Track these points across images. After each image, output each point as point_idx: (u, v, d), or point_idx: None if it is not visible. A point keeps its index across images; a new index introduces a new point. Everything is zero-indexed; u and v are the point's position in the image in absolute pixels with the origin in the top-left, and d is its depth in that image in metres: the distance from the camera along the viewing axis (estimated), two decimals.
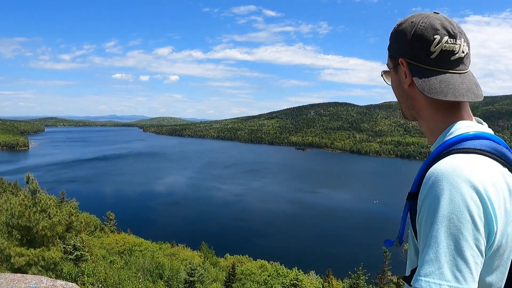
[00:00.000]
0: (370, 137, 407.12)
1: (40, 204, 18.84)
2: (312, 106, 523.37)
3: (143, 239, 59.64)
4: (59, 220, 19.35)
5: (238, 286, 40.00)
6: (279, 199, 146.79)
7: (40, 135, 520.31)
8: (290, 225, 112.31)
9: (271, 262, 52.74)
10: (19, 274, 11.24)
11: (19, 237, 18.94)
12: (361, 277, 34.51)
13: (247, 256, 63.58)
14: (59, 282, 9.20)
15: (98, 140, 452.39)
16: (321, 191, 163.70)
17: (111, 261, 30.79)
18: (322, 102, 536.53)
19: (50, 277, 13.02)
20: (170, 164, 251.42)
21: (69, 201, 29.98)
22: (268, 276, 42.23)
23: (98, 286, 15.99)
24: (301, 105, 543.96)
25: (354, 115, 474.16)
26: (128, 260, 36.14)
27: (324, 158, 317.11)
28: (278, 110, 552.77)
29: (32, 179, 19.45)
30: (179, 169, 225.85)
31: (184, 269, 35.95)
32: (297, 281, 36.06)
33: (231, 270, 45.39)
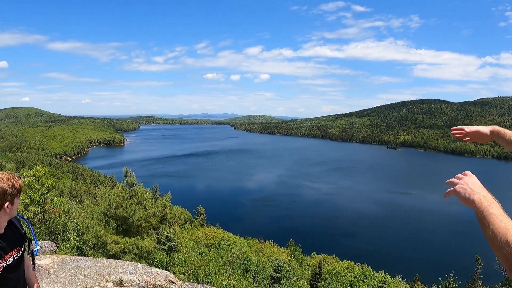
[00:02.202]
0: None
1: (137, 197, 19.97)
2: (404, 103, 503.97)
3: (231, 234, 60.71)
4: (154, 212, 20.41)
5: (323, 286, 39.95)
6: (368, 199, 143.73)
7: (135, 132, 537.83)
8: (378, 226, 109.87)
9: (357, 263, 52.27)
10: (116, 260, 12.31)
11: (115, 226, 20.14)
12: (452, 285, 33.02)
13: (334, 256, 63.19)
14: (155, 269, 10.11)
15: (190, 138, 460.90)
16: (412, 192, 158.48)
17: (199, 253, 31.83)
18: (414, 99, 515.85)
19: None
20: (261, 161, 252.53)
21: (163, 195, 31.31)
22: (354, 277, 41.96)
23: (189, 276, 16.81)
24: (392, 102, 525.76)
25: (448, 112, 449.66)
26: (216, 254, 37.04)
27: (416, 158, 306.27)
28: (369, 107, 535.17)
29: (130, 173, 20.59)
30: (269, 166, 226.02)
31: (271, 265, 36.49)
32: (385, 284, 35.44)
33: (317, 269, 45.43)
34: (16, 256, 3.32)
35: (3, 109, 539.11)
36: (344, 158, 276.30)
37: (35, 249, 3.61)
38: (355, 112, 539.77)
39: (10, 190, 3.11)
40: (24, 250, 3.51)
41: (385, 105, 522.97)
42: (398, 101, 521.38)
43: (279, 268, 34.06)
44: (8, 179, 3.13)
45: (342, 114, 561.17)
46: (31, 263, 3.80)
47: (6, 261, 3.20)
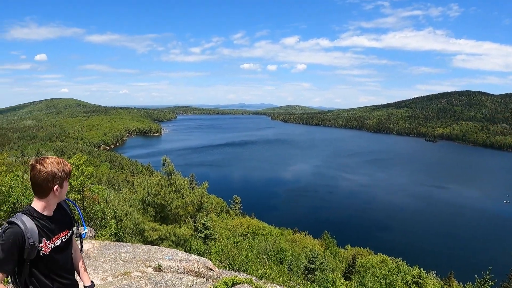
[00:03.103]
0: (506, 130, 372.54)
1: (175, 185, 20.24)
2: (442, 95, 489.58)
3: (266, 224, 60.99)
4: (192, 200, 20.65)
5: (357, 279, 39.76)
6: (404, 192, 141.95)
7: (172, 122, 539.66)
8: (413, 220, 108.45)
9: (392, 257, 51.95)
10: (155, 246, 12.53)
11: (153, 214, 20.47)
12: (488, 283, 32.11)
13: (368, 249, 62.88)
14: (193, 256, 10.28)
15: (227, 128, 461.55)
16: (449, 186, 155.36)
17: (234, 242, 32.07)
18: (453, 90, 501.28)
19: None
20: (297, 151, 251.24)
21: (199, 184, 31.52)
22: (388, 271, 41.61)
23: (226, 264, 16.97)
24: (431, 93, 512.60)
25: (488, 105, 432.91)
26: (251, 243, 37.20)
27: (454, 151, 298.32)
28: (407, 99, 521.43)
29: (168, 162, 20.87)
30: (305, 157, 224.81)
31: (305, 256, 36.50)
32: (420, 279, 35.00)
33: (351, 261, 45.28)
34: (64, 238, 3.50)
35: (43, 100, 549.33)
36: (380, 150, 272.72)
37: (83, 232, 3.77)
38: (393, 103, 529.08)
39: (60, 174, 3.26)
40: (73, 233, 3.65)
41: (423, 97, 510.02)
42: (437, 92, 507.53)
43: (313, 259, 34.06)
44: (57, 163, 3.28)
45: (379, 105, 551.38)
46: (79, 246, 3.95)
47: (54, 243, 3.39)
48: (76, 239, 3.85)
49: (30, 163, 3.28)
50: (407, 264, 46.42)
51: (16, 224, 3.22)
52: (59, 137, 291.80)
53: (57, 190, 3.27)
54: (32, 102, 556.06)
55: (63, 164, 3.27)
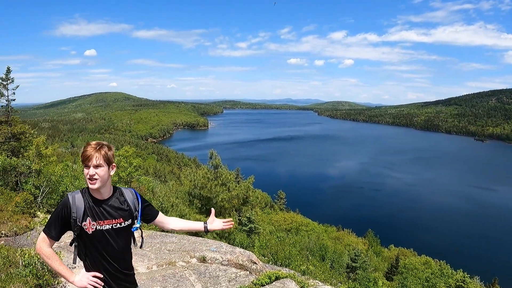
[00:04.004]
0: None
1: (221, 178, 20.48)
2: (493, 92, 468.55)
3: (310, 220, 60.80)
4: (237, 194, 20.85)
5: (399, 280, 39.35)
6: (451, 193, 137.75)
7: (219, 116, 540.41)
8: (459, 222, 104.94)
9: (435, 259, 51.05)
10: (200, 237, 12.73)
11: (199, 206, 20.74)
12: None
13: (412, 250, 61.86)
14: (238, 249, 10.43)
15: (274, 122, 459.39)
16: (497, 188, 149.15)
17: (278, 237, 32.18)
18: (505, 88, 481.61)
19: None
20: (343, 147, 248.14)
21: (245, 178, 31.74)
22: (431, 274, 41.10)
23: (269, 258, 17.07)
24: (481, 91, 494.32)
25: None
26: (294, 239, 37.18)
27: (505, 152, 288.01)
28: (457, 96, 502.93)
29: (215, 155, 21.12)
30: (351, 153, 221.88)
31: (348, 254, 36.38)
32: (464, 284, 34.28)
33: (394, 262, 44.81)
34: (115, 226, 3.62)
35: (93, 93, 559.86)
36: (428, 148, 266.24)
37: (134, 226, 3.89)
38: (442, 100, 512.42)
39: (81, 158, 3.44)
40: (128, 225, 3.79)
41: (473, 94, 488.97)
42: (487, 90, 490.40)
43: (356, 257, 33.92)
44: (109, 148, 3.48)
45: (428, 102, 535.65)
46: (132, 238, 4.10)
47: (101, 225, 3.54)
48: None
49: None
50: (450, 267, 45.54)
51: (67, 196, 3.50)
52: (108, 129, 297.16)
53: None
54: (82, 95, 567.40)
55: (83, 148, 3.41)
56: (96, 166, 3.39)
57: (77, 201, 3.47)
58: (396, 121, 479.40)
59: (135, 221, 3.82)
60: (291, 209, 79.83)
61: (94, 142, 3.45)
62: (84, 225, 3.45)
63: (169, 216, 15.33)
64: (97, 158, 3.38)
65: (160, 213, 4.16)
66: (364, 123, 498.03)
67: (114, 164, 3.59)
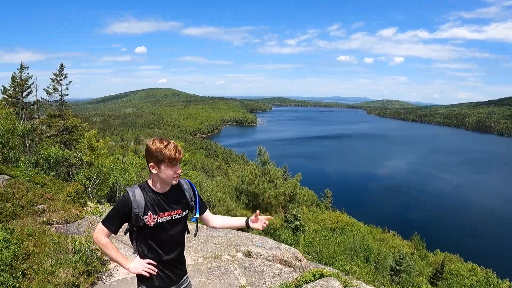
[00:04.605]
0: None
1: (269, 175, 20.53)
2: None
3: (355, 220, 60.32)
4: (284, 191, 20.86)
5: (443, 286, 38.63)
6: (501, 197, 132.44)
7: (267, 113, 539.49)
8: (509, 229, 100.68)
9: (482, 267, 49.74)
10: (246, 232, 12.79)
11: (246, 202, 20.84)
12: None
13: (458, 256, 60.40)
14: (283, 245, 10.44)
15: (322, 120, 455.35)
16: None
17: (323, 235, 32.06)
18: None
19: None
20: (392, 147, 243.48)
21: (292, 175, 31.69)
22: (477, 281, 40.07)
23: (313, 256, 17.03)
24: None
25: None
26: (339, 238, 36.96)
27: None
28: (510, 96, 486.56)
29: (264, 152, 21.17)
30: (400, 153, 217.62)
31: (392, 257, 35.93)
32: None
33: (439, 267, 43.98)
34: (174, 217, 3.73)
35: (143, 89, 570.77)
36: (479, 150, 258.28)
37: (193, 217, 3.98)
38: (494, 100, 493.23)
39: (156, 154, 3.51)
40: (186, 215, 3.88)
41: None
42: None
43: (400, 260, 33.49)
44: (159, 143, 3.56)
45: (480, 102, 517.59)
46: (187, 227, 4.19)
47: (161, 218, 3.65)
48: (189, 221, 4.10)
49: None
50: (497, 276, 44.23)
51: (127, 192, 3.62)
52: (157, 124, 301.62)
53: (152, 168, 3.53)
54: (132, 91, 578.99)
55: (165, 147, 3.46)
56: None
57: (138, 196, 3.58)
58: (447, 121, 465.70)
59: (193, 211, 3.95)
60: (337, 208, 79.33)
61: (172, 142, 3.54)
62: (146, 219, 3.57)
63: (216, 211, 15.52)
64: (180, 159, 3.53)
65: (207, 209, 4.25)
66: (414, 122, 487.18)
67: None
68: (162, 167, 3.47)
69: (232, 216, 16.88)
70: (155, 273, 3.73)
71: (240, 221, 4.30)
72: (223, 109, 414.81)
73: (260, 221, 4.19)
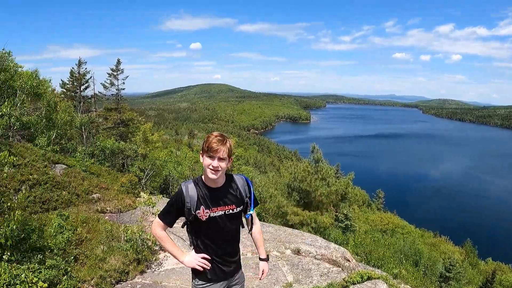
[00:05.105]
0: None
1: (321, 173, 20.42)
2: None
3: (406, 222, 59.45)
4: (336, 189, 20.72)
5: None
6: None
7: (321, 110, 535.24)
8: None
9: None
10: (296, 230, 12.77)
11: (297, 199, 20.80)
12: None
13: (510, 266, 58.59)
14: (333, 245, 10.36)
15: (376, 119, 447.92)
16: None
17: (372, 237, 31.73)
18: None
19: None
20: (447, 149, 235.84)
21: (344, 174, 31.47)
22: None
23: (362, 257, 16.88)
24: None
25: None
26: (389, 240, 36.50)
27: None
28: None
29: (317, 149, 21.09)
30: (455, 155, 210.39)
31: (442, 263, 35.22)
32: None
33: (490, 276, 42.73)
34: (228, 212, 3.74)
35: (197, 85, 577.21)
36: None
37: (248, 213, 4.00)
38: None
39: (203, 145, 3.55)
40: (241, 211, 3.89)
41: None
42: None
43: (450, 267, 32.81)
44: (208, 136, 3.56)
45: None
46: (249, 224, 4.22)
47: (214, 212, 3.68)
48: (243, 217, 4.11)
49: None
50: None
51: (181, 187, 3.68)
52: (211, 119, 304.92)
53: (201, 156, 3.57)
54: (187, 86, 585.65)
55: (209, 136, 3.50)
56: (221, 159, 3.49)
57: (190, 191, 3.63)
58: (506, 123, 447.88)
59: (248, 207, 3.95)
60: (388, 210, 78.30)
61: (218, 134, 3.54)
62: (198, 213, 3.61)
63: (267, 206, 15.52)
64: (223, 151, 3.47)
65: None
66: (471, 123, 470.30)
67: (232, 157, 3.71)
68: (205, 155, 3.50)
69: (283, 213, 16.87)
70: (209, 268, 3.78)
71: (260, 250, 4.31)
72: (277, 105, 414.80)
73: (261, 270, 4.27)
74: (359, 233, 27.66)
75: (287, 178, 21.42)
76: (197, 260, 3.73)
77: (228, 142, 3.54)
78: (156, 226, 3.78)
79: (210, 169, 3.52)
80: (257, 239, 4.24)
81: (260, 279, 4.31)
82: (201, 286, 3.89)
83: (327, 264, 9.08)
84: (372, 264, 16.59)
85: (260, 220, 15.96)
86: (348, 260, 9.54)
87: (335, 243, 14.21)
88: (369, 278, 7.77)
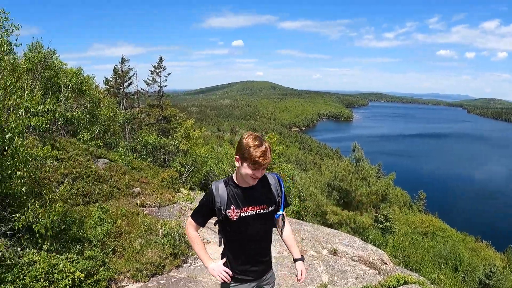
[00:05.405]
0: None
1: (362, 172, 20.26)
2: None
3: (448, 226, 58.29)
4: (377, 190, 20.51)
5: None
6: None
7: (364, 108, 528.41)
8: None
9: None
10: (334, 230, 12.70)
11: (337, 198, 20.68)
12: None
13: None
14: (370, 246, 10.27)
15: (419, 117, 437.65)
16: None
17: (412, 239, 31.30)
18: None
19: None
20: (492, 150, 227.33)
21: (386, 174, 31.08)
22: None
23: (400, 260, 16.68)
24: None
25: None
26: (429, 243, 35.91)
27: None
28: None
29: (358, 148, 20.93)
30: (501, 157, 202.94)
31: (483, 269, 34.46)
32: None
33: None
34: (258, 212, 3.70)
35: (239, 82, 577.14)
36: None
37: (278, 213, 3.94)
38: None
39: (242, 151, 3.44)
40: (271, 210, 3.86)
41: None
42: None
43: (491, 274, 32.00)
44: (247, 142, 3.47)
45: None
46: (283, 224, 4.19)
47: (244, 212, 3.64)
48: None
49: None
50: None
51: (211, 186, 3.68)
52: (253, 116, 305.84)
53: (237, 161, 3.49)
54: (229, 83, 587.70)
55: (254, 148, 3.34)
56: (264, 168, 3.48)
57: (221, 191, 3.62)
58: None
59: (279, 207, 3.89)
60: (429, 212, 76.97)
61: (261, 144, 3.39)
62: (228, 212, 3.59)
63: (307, 205, 15.49)
64: (266, 165, 3.44)
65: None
66: None
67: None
68: (245, 164, 3.42)
69: (322, 212, 16.77)
70: (228, 282, 3.78)
71: (294, 250, 4.16)
72: (319, 103, 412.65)
73: (299, 272, 4.07)
74: (398, 235, 27.28)
75: (328, 177, 21.32)
76: (219, 272, 3.73)
77: (270, 155, 3.46)
78: (189, 226, 3.81)
79: (253, 178, 3.50)
80: (290, 239, 4.15)
81: (299, 281, 4.12)
82: (230, 286, 3.86)
83: (363, 266, 9.04)
84: (410, 267, 16.34)
85: (298, 218, 15.87)
86: (385, 263, 9.44)
87: (373, 244, 14.08)
88: (405, 283, 7.65)
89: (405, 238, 27.76)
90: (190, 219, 3.79)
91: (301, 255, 4.17)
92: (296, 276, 4.09)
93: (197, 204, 3.84)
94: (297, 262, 4.12)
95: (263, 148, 3.35)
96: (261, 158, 3.33)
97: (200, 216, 3.76)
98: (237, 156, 3.47)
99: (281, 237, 4.15)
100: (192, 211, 3.85)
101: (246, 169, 3.42)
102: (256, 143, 3.35)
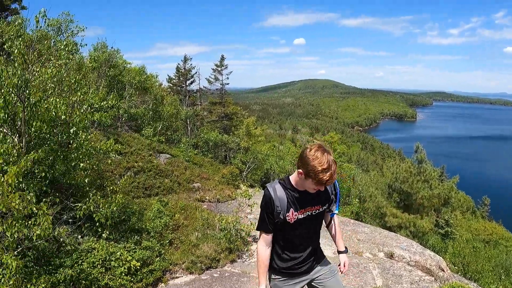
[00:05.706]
0: None
1: (424, 174, 19.87)
2: None
3: None
4: (439, 193, 20.06)
5: None
6: None
7: (428, 108, 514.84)
8: None
9: None
10: (392, 233, 12.54)
11: (397, 200, 20.38)
12: None
13: None
14: (428, 252, 10.09)
15: (486, 118, 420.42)
16: None
17: (473, 247, 30.43)
18: None
19: None
20: None
21: (449, 177, 30.38)
22: None
23: (459, 268, 16.27)
24: None
25: None
26: (491, 252, 34.79)
27: None
28: None
29: (421, 149, 20.55)
30: None
31: None
32: None
33: None
34: (314, 212, 3.70)
35: (301, 80, 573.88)
36: None
37: (333, 212, 3.97)
38: None
39: (307, 166, 3.33)
40: (326, 209, 3.85)
41: None
42: None
43: None
44: (313, 158, 3.34)
45: None
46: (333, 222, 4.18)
47: (302, 214, 3.63)
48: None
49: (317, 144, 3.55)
50: None
51: (268, 189, 3.61)
52: (315, 115, 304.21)
53: (300, 174, 3.40)
54: (291, 82, 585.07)
55: (322, 171, 3.23)
56: None
57: (279, 193, 3.57)
58: None
59: (332, 206, 3.91)
60: (493, 219, 74.55)
61: (331, 171, 3.26)
62: (287, 216, 3.56)
63: (366, 206, 15.39)
64: (331, 183, 3.40)
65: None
66: None
67: None
68: (309, 179, 3.35)
69: (381, 214, 16.54)
70: None
71: (339, 244, 4.19)
72: (382, 102, 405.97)
73: (342, 262, 4.13)
74: (459, 242, 26.57)
75: (389, 178, 21.00)
76: None
77: (335, 166, 3.33)
78: (260, 241, 3.72)
79: (315, 189, 3.47)
80: (337, 232, 4.18)
81: (342, 272, 4.15)
82: (277, 280, 3.90)
83: (419, 271, 8.89)
84: (469, 276, 15.89)
85: (357, 219, 15.78)
86: (443, 270, 9.25)
87: (432, 250, 13.79)
88: None
89: (466, 245, 27.01)
90: (261, 234, 3.72)
91: (345, 247, 4.20)
92: (339, 265, 4.13)
93: (259, 212, 3.75)
94: (340, 254, 4.17)
95: (330, 171, 3.25)
96: (328, 181, 3.29)
97: (264, 224, 3.67)
98: (301, 171, 3.38)
99: (328, 230, 4.21)
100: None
101: (310, 185, 3.39)
102: (325, 167, 3.23)
